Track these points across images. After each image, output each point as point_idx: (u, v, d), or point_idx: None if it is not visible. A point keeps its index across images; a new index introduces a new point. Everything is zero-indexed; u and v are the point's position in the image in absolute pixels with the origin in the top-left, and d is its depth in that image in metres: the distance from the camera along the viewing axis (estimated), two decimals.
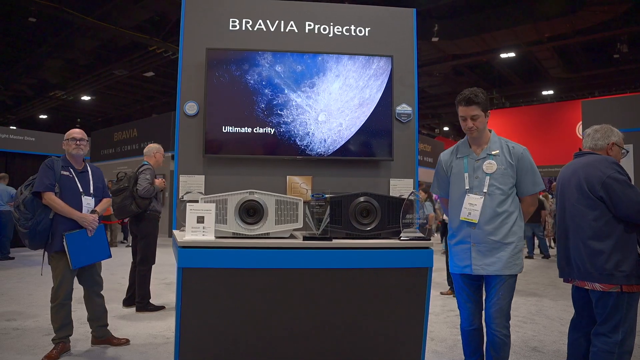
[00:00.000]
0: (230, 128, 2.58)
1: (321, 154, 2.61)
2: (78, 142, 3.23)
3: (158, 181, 4.70)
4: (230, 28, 2.71)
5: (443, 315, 4.54)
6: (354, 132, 2.64)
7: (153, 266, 4.74)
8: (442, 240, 7.52)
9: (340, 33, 2.77)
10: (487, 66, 14.57)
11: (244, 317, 2.09)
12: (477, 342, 2.46)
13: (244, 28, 2.72)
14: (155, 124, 14.12)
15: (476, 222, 2.29)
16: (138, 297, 4.63)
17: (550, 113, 16.69)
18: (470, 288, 2.43)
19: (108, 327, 3.59)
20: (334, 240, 2.13)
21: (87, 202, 3.21)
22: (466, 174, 2.38)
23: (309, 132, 2.61)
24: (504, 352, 2.30)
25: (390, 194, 2.65)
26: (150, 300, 4.69)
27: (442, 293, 5.40)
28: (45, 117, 20.21)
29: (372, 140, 2.65)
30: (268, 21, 2.73)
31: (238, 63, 2.58)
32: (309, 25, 2.76)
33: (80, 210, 3.15)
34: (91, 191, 3.27)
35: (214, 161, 2.63)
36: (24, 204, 3.04)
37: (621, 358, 2.29)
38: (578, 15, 10.31)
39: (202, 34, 2.68)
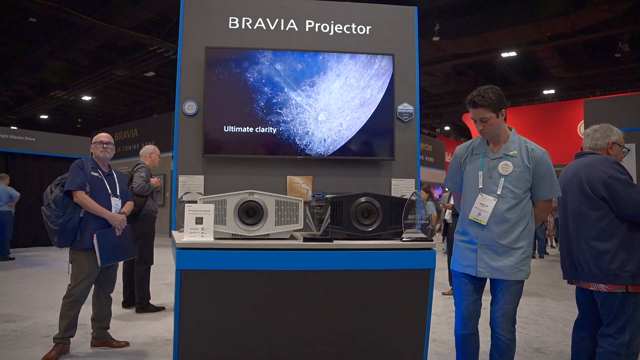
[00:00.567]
0: (230, 127, 2.55)
1: (322, 153, 2.58)
2: (105, 146, 3.39)
3: (154, 180, 4.70)
4: (230, 26, 2.68)
5: (445, 316, 4.50)
6: (355, 132, 2.60)
7: (153, 267, 4.72)
8: (443, 240, 7.50)
9: (340, 31, 2.74)
10: (488, 65, 14.54)
11: (243, 320, 2.06)
12: (471, 350, 2.36)
13: (243, 26, 2.69)
14: (156, 124, 14.12)
15: (485, 223, 2.21)
16: (138, 298, 4.62)
17: (551, 112, 16.66)
18: (472, 286, 2.34)
19: (109, 329, 3.57)
20: (335, 242, 2.09)
21: (115, 203, 3.33)
22: (480, 173, 2.27)
23: (309, 131, 2.58)
24: (509, 357, 2.26)
25: (392, 194, 2.61)
26: (150, 301, 4.67)
27: (443, 293, 5.36)
28: (46, 117, 20.20)
29: (374, 140, 2.62)
30: (268, 19, 2.70)
31: (237, 62, 2.55)
32: (309, 23, 2.73)
33: (110, 210, 3.26)
34: (118, 193, 3.40)
35: (213, 161, 2.60)
36: (55, 202, 3.12)
37: (628, 359, 2.27)
38: (579, 15, 10.27)
39: (202, 33, 2.65)
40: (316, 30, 2.73)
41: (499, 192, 2.20)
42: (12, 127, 15.29)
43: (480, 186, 2.26)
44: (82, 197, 3.12)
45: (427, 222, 2.26)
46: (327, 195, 2.14)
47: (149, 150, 4.79)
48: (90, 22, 10.38)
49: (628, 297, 2.26)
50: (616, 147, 2.51)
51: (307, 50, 2.62)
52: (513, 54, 12.77)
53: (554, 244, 11.85)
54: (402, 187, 2.68)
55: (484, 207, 2.22)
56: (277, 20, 2.71)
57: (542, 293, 5.88)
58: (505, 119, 2.29)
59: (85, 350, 3.48)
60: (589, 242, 2.34)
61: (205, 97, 2.53)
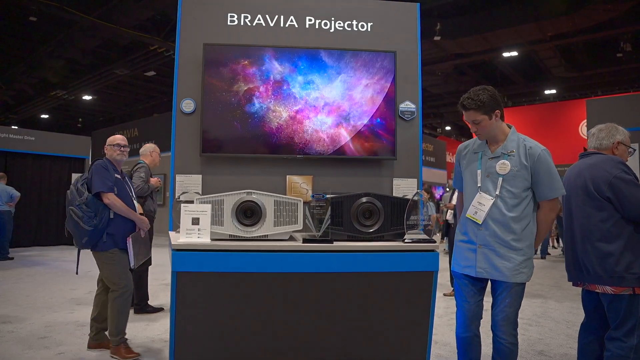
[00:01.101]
0: (228, 126, 2.49)
1: (322, 152, 2.53)
2: (122, 149, 3.39)
3: (153, 180, 4.65)
4: (229, 23, 2.63)
5: (446, 318, 4.45)
6: (356, 130, 2.55)
7: (151, 267, 4.67)
8: (442, 239, 7.44)
9: (341, 28, 2.69)
10: (489, 65, 14.48)
11: (241, 324, 2.00)
12: (473, 352, 2.32)
13: (242, 23, 2.64)
14: (156, 124, 14.07)
15: (480, 222, 2.17)
16: (136, 298, 4.56)
17: (553, 112, 16.58)
18: (472, 288, 2.30)
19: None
20: (335, 243, 2.04)
21: (135, 204, 3.39)
22: (479, 171, 2.24)
23: (309, 130, 2.53)
24: None
25: (394, 194, 2.56)
26: (149, 302, 4.62)
27: (445, 294, 5.30)
28: (46, 116, 20.17)
29: (375, 139, 2.56)
30: (267, 16, 2.65)
31: (236, 59, 2.50)
32: (310, 20, 2.68)
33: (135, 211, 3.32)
34: (133, 195, 3.45)
35: (211, 160, 2.55)
36: (87, 204, 3.11)
37: None
38: (581, 14, 10.21)
39: (200, 30, 2.60)
40: (316, 27, 2.68)
41: (497, 192, 2.16)
42: (12, 127, 15.26)
43: (479, 185, 2.22)
44: (113, 199, 3.15)
45: (430, 222, 2.21)
46: (327, 195, 2.09)
47: (149, 149, 4.73)
48: (90, 21, 10.34)
49: (635, 300, 2.22)
50: (622, 147, 2.46)
51: (307, 47, 2.56)
52: (514, 53, 12.73)
53: (556, 244, 11.79)
54: (403, 187, 2.63)
55: (481, 205, 2.18)
56: (276, 16, 2.66)
57: (545, 294, 5.82)
58: (502, 118, 2.24)
59: (83, 351, 3.43)
60: (594, 243, 2.30)
61: (203, 95, 2.48)
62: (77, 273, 3.46)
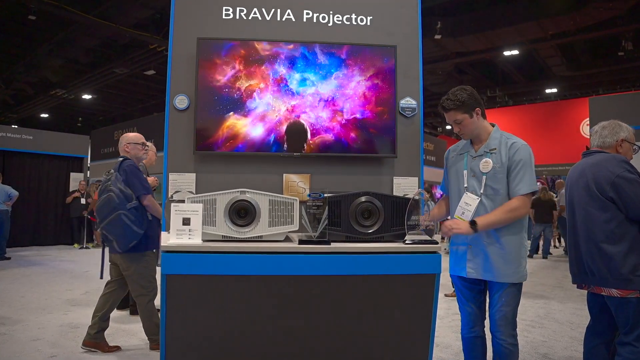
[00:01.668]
0: (223, 123, 2.41)
1: (320, 150, 2.45)
2: (146, 147, 3.52)
3: (151, 179, 4.57)
4: (224, 17, 2.55)
5: (448, 319, 4.37)
6: (355, 127, 2.47)
7: None
8: (442, 239, 7.37)
9: (340, 22, 2.61)
10: (490, 64, 14.41)
11: (235, 329, 1.92)
12: (478, 352, 2.31)
13: (237, 17, 2.55)
14: (156, 123, 13.99)
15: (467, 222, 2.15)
16: (131, 300, 4.49)
17: (554, 111, 16.52)
18: (470, 291, 2.30)
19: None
20: (333, 244, 1.95)
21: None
22: (465, 172, 2.24)
23: (307, 127, 2.44)
24: None
25: (394, 193, 2.48)
26: None
27: (446, 295, 5.22)
28: (46, 116, 20.11)
29: (375, 136, 2.48)
30: (263, 9, 2.57)
31: (231, 54, 2.42)
32: (307, 13, 2.60)
33: None
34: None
35: (205, 158, 2.47)
36: (136, 208, 3.12)
37: None
38: (582, 12, 10.14)
39: (193, 23, 2.52)
40: (314, 20, 2.60)
41: (481, 191, 2.15)
42: (10, 126, 15.19)
43: (465, 185, 2.22)
44: (151, 201, 3.18)
45: (432, 222, 2.13)
46: (325, 194, 2.00)
47: None
48: (89, 20, 10.28)
49: None
50: (626, 145, 2.39)
51: (305, 41, 2.48)
52: (515, 52, 12.67)
53: (557, 243, 11.70)
54: (404, 186, 2.55)
55: (467, 205, 2.18)
56: (273, 10, 2.57)
57: (547, 295, 5.74)
58: (484, 117, 2.24)
59: (75, 354, 3.34)
60: (598, 244, 2.24)
61: (197, 91, 2.40)
62: (101, 277, 3.46)
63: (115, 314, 4.51)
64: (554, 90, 16.64)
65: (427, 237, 2.02)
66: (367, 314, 1.98)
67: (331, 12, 2.61)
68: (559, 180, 11.33)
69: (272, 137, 2.42)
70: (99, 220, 3.20)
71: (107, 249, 3.75)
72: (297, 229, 2.03)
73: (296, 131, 2.44)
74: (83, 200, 10.50)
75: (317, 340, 1.97)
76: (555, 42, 12.04)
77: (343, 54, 2.48)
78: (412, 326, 2.00)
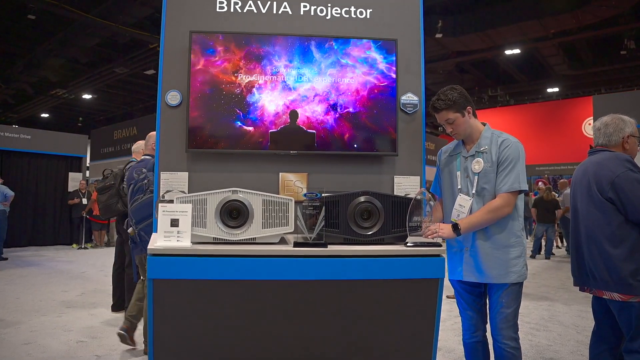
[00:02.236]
0: (217, 119, 2.31)
1: (317, 148, 2.34)
2: None
3: None
4: (217, 9, 2.45)
5: (450, 322, 4.27)
6: (354, 124, 2.37)
7: None
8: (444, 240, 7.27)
9: (338, 15, 2.51)
10: (491, 63, 14.31)
11: (227, 337, 1.81)
12: (482, 358, 2.26)
13: (232, 10, 2.45)
14: (155, 122, 13.87)
15: None
16: (127, 302, 4.40)
17: (555, 111, 16.44)
18: (470, 295, 2.24)
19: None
20: (330, 247, 1.84)
21: None
22: (458, 173, 2.20)
23: (303, 124, 2.34)
24: None
25: (395, 193, 2.38)
26: None
27: (447, 297, 5.12)
28: (47, 115, 20.06)
29: (374, 133, 2.38)
30: (259, 2, 2.47)
31: (225, 48, 2.32)
32: (304, 6, 2.50)
33: None
34: None
35: (198, 156, 2.37)
36: None
37: None
38: (585, 11, 10.05)
39: (186, 17, 2.42)
40: (312, 13, 2.50)
41: (473, 191, 2.11)
42: (8, 125, 15.12)
43: (459, 186, 2.19)
44: None
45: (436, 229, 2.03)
46: (322, 194, 1.89)
47: (141, 147, 4.56)
48: (89, 20, 10.23)
49: None
50: (632, 140, 2.30)
51: (302, 35, 2.38)
52: (517, 51, 12.59)
53: (560, 243, 11.58)
54: (405, 185, 2.44)
55: (461, 207, 2.13)
56: (269, 2, 2.47)
57: (551, 297, 5.63)
58: (475, 116, 2.22)
59: (66, 358, 3.25)
60: (599, 247, 2.17)
61: (189, 87, 2.30)
62: (136, 280, 3.42)
63: (110, 316, 4.44)
64: (556, 89, 16.55)
65: (429, 239, 1.92)
66: (366, 321, 1.87)
67: (329, 5, 2.50)
68: (561, 180, 11.20)
69: (267, 134, 2.32)
70: (137, 220, 3.10)
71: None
72: (292, 230, 1.92)
73: (293, 128, 2.33)
74: (85, 200, 10.41)
75: (313, 349, 1.86)
76: (557, 41, 11.96)
77: (342, 47, 2.38)
78: (414, 334, 1.90)
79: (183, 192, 2.30)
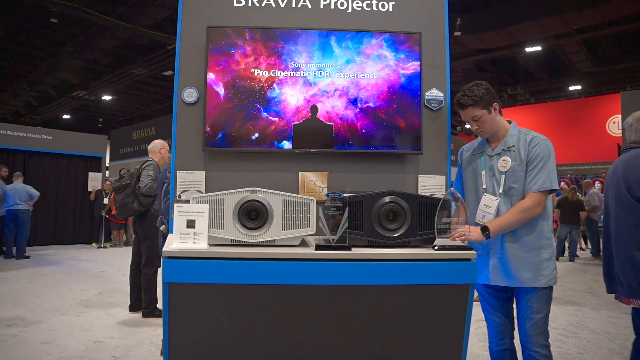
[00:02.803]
0: (234, 117, 2.24)
1: (339, 146, 2.25)
2: None
3: None
4: (235, 4, 2.38)
5: (474, 326, 4.09)
6: (376, 121, 2.27)
7: (160, 269, 4.50)
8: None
9: (360, 8, 2.42)
10: (511, 61, 14.01)
11: (244, 343, 1.74)
12: None
13: (249, 4, 2.38)
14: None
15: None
16: (144, 302, 4.41)
17: (578, 109, 16.02)
18: (497, 300, 2.14)
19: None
20: (354, 250, 1.75)
21: None
22: (483, 172, 2.12)
23: (325, 120, 2.25)
24: None
25: (419, 193, 2.27)
26: (158, 305, 4.44)
27: None
28: (68, 117, 20.50)
29: (398, 131, 2.27)
30: None
31: (242, 43, 2.25)
32: (325, 0, 2.41)
33: None
34: None
35: (216, 155, 2.31)
36: None
37: None
38: (609, 5, 9.73)
39: (203, 12, 2.36)
40: (332, 7, 2.41)
41: (500, 191, 2.02)
42: (30, 127, 15.45)
43: (484, 186, 2.10)
44: None
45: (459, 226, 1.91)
46: (345, 194, 1.80)
47: (157, 146, 4.55)
48: (109, 22, 10.38)
49: None
50: None
51: (322, 29, 2.30)
52: (538, 48, 12.26)
53: (584, 245, 11.24)
54: (430, 185, 2.34)
55: (487, 208, 2.03)
56: None
57: (578, 301, 5.42)
58: (500, 113, 2.15)
59: (84, 358, 3.23)
60: (626, 251, 2.05)
61: (207, 84, 2.24)
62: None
63: (128, 316, 4.43)
64: (578, 87, 16.11)
65: (459, 242, 1.81)
66: (391, 327, 1.77)
67: None
68: (585, 180, 10.87)
69: (287, 132, 2.24)
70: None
71: None
72: (313, 232, 1.84)
73: (313, 125, 2.25)
74: (106, 200, 10.54)
75: (335, 357, 1.77)
76: (580, 37, 11.60)
77: (363, 42, 2.28)
78: (441, 343, 1.79)
79: (200, 191, 2.24)
